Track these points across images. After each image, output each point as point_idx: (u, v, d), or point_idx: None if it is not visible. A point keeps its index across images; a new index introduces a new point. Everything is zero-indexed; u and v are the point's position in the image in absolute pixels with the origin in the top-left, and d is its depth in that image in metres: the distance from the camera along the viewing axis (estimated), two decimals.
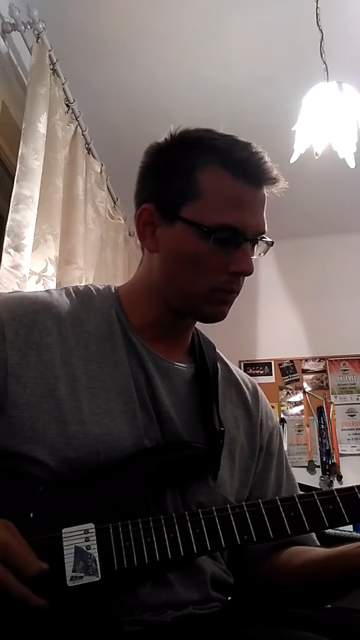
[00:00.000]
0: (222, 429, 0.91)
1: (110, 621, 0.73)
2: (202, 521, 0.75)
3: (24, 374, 0.83)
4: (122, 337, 0.92)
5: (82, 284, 1.01)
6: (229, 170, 0.87)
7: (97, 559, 0.71)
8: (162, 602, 0.79)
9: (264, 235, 0.92)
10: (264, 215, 0.91)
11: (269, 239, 0.92)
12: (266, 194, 0.91)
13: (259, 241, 0.91)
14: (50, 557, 0.69)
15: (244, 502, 0.78)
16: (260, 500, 0.78)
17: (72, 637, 0.70)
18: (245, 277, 0.91)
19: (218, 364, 1.03)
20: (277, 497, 0.78)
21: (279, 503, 0.77)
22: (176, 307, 0.93)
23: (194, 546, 0.73)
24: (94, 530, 0.73)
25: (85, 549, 0.72)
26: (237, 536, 0.74)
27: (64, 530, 0.72)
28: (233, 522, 0.75)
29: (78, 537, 0.72)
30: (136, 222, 0.95)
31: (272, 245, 0.93)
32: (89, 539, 0.72)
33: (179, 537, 0.74)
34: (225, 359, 1.08)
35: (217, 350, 1.06)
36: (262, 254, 0.94)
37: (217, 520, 0.75)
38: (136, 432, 0.85)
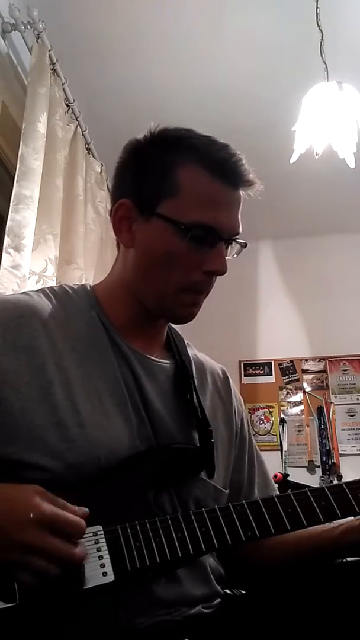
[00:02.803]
0: (210, 428, 0.93)
1: (124, 620, 0.73)
2: (207, 520, 0.77)
3: (16, 379, 0.81)
4: (107, 338, 0.91)
5: (57, 285, 1.00)
6: (207, 170, 0.88)
7: (109, 560, 0.71)
8: (174, 599, 0.80)
9: (238, 237, 0.92)
10: (239, 216, 0.92)
11: (242, 241, 0.93)
12: (242, 196, 0.92)
13: (233, 242, 0.92)
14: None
15: (244, 501, 0.80)
16: (259, 498, 0.80)
17: (87, 638, 0.70)
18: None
19: (190, 355, 1.04)
20: (274, 495, 0.81)
21: (276, 500, 0.80)
22: (147, 305, 0.93)
23: (202, 544, 0.75)
24: (102, 532, 0.73)
25: (96, 550, 0.72)
26: (241, 533, 0.77)
27: None
28: (236, 520, 0.77)
29: (88, 540, 0.72)
30: (112, 217, 0.95)
31: (245, 247, 0.94)
32: (99, 540, 0.73)
33: (186, 536, 0.75)
34: (193, 347, 1.09)
35: (186, 341, 1.07)
36: (236, 255, 0.95)
37: (221, 519, 0.77)
38: (130, 433, 0.85)
